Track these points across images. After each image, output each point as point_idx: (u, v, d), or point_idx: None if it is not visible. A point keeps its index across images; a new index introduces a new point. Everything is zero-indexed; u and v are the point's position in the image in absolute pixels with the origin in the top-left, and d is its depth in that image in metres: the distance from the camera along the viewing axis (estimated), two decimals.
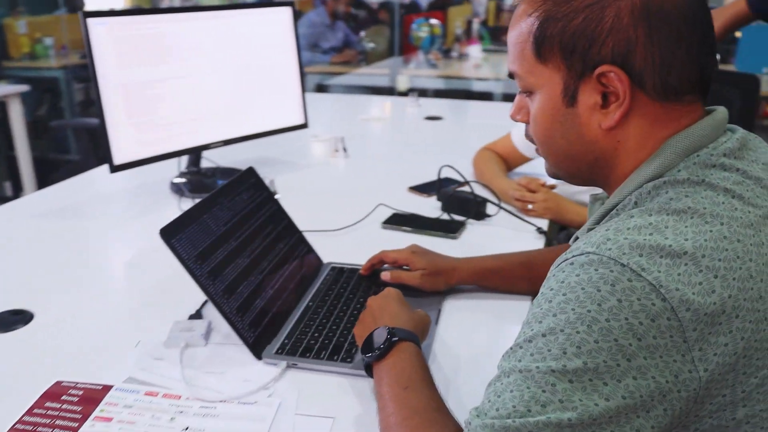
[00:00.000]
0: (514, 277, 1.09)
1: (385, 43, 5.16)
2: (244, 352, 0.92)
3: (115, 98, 1.41)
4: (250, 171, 1.15)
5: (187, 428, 0.78)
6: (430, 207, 1.51)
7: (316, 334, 0.96)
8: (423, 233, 1.37)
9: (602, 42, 0.65)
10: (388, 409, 0.73)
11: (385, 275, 1.09)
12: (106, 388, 0.85)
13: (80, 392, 0.84)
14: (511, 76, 0.76)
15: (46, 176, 2.86)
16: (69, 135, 4.14)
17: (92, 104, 4.81)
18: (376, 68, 4.72)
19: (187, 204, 1.53)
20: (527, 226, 1.39)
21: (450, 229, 1.37)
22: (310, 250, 1.19)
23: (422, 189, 1.63)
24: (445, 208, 1.46)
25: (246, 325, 0.92)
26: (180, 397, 0.83)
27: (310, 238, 1.20)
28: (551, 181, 1.47)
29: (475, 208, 1.41)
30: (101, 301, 1.12)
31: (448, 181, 1.59)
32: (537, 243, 1.33)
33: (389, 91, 4.23)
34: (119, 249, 1.37)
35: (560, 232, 1.79)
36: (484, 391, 0.63)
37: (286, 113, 1.79)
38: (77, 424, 0.78)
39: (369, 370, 0.82)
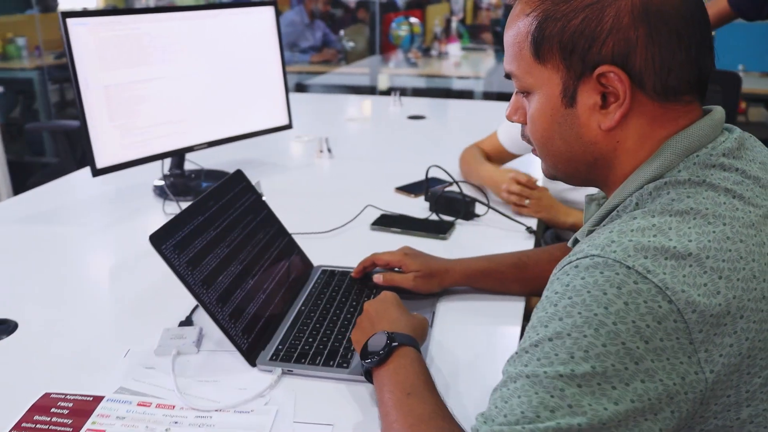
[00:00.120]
0: (506, 278, 1.09)
1: (364, 42, 5.15)
2: (238, 359, 0.91)
3: (96, 100, 1.38)
4: (239, 174, 1.13)
5: None
6: (418, 207, 1.51)
7: (311, 339, 0.95)
8: (412, 234, 1.36)
9: (602, 42, 0.65)
10: (392, 416, 0.71)
11: (378, 278, 1.08)
12: (97, 399, 0.82)
13: (70, 404, 0.81)
14: (508, 76, 0.76)
15: (23, 180, 2.80)
16: (45, 137, 4.06)
17: (68, 105, 4.73)
18: (356, 67, 4.71)
19: (172, 207, 1.50)
20: (517, 225, 1.38)
21: (439, 230, 1.36)
22: (300, 253, 1.18)
23: (409, 189, 1.62)
24: (433, 209, 1.45)
25: (239, 331, 0.91)
26: (174, 407, 0.81)
27: (298, 240, 1.19)
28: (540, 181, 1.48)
29: (464, 209, 1.41)
30: (87, 309, 1.09)
31: (435, 181, 1.58)
32: (527, 242, 1.32)
33: (369, 90, 4.22)
34: (103, 255, 1.34)
35: (545, 232, 1.79)
36: (490, 396, 0.62)
37: (270, 114, 1.77)
38: None
39: (369, 376, 0.81)
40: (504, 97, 4.06)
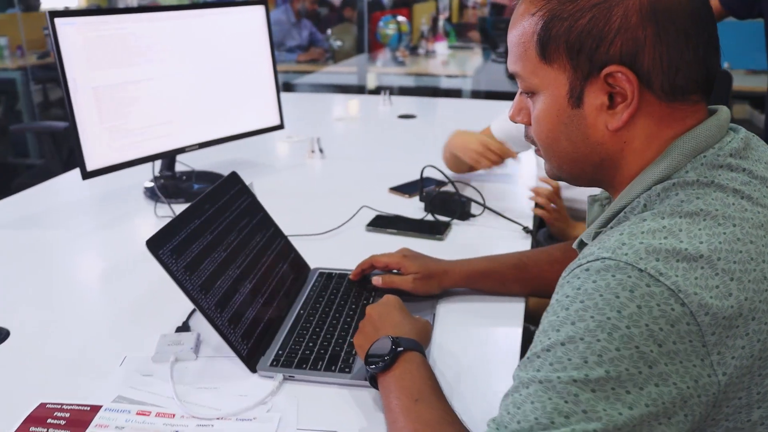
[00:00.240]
0: (506, 279, 1.08)
1: (352, 41, 5.13)
2: (237, 365, 0.89)
3: (85, 101, 1.35)
4: (233, 176, 1.12)
5: None
6: (412, 208, 1.50)
7: (311, 344, 0.93)
8: (408, 235, 1.35)
9: (611, 42, 0.64)
10: (399, 423, 0.70)
11: (377, 280, 1.07)
12: (95, 409, 0.80)
13: (67, 414, 0.79)
14: (512, 77, 0.75)
15: (6, 182, 2.75)
16: (29, 138, 4.00)
17: (52, 106, 4.66)
18: (344, 66, 4.69)
19: (164, 210, 1.48)
20: (513, 225, 1.38)
21: (436, 231, 1.35)
22: (297, 255, 1.16)
23: (403, 189, 1.61)
24: (428, 209, 1.44)
25: (238, 337, 0.89)
26: (174, 415, 0.80)
27: (293, 242, 1.17)
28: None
29: (460, 209, 1.40)
30: (81, 315, 1.06)
31: (429, 181, 1.57)
32: (524, 242, 1.32)
33: (357, 89, 4.20)
34: (95, 259, 1.32)
35: (538, 231, 1.79)
36: (501, 401, 0.61)
37: (261, 115, 1.75)
38: None
39: (373, 382, 0.80)
40: (492, 95, 4.06)
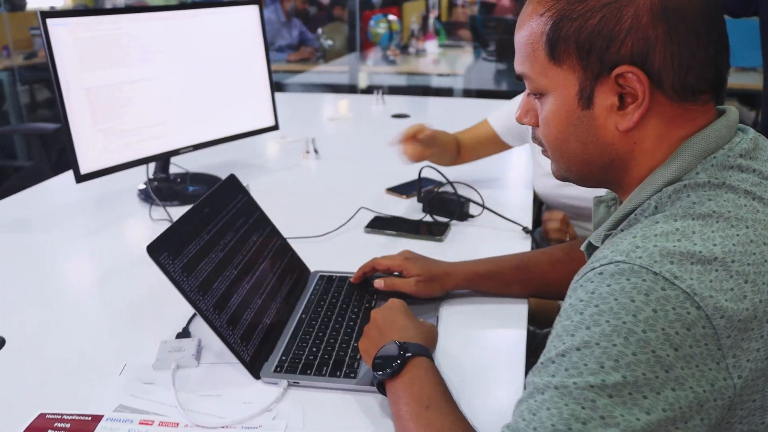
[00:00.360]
0: (508, 280, 1.07)
1: (342, 40, 5.11)
2: (240, 372, 0.88)
3: (78, 103, 1.33)
4: (232, 178, 1.10)
5: None
6: (411, 209, 1.49)
7: (314, 349, 0.92)
8: (408, 236, 1.34)
9: (621, 42, 0.63)
10: (410, 430, 0.69)
11: (379, 283, 1.06)
12: (96, 419, 0.79)
13: (68, 425, 0.78)
14: (520, 78, 0.74)
15: None
16: (16, 140, 3.94)
17: (39, 107, 4.60)
18: (335, 66, 4.67)
19: (159, 213, 1.46)
20: (512, 225, 1.37)
21: (435, 232, 1.34)
22: (295, 255, 1.15)
23: (400, 190, 1.60)
24: (426, 210, 1.43)
25: (241, 343, 0.88)
26: (178, 424, 0.78)
27: (292, 245, 1.16)
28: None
29: (459, 209, 1.39)
30: (77, 322, 1.04)
31: (426, 181, 1.56)
32: (523, 242, 1.31)
33: (348, 88, 4.18)
34: (91, 264, 1.29)
35: (534, 230, 1.78)
36: (515, 407, 0.60)
37: (256, 115, 1.73)
38: None
39: (381, 388, 0.79)
40: (483, 94, 4.06)
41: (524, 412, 0.58)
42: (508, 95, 2.41)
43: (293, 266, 1.12)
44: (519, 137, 1.59)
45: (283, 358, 0.90)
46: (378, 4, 5.62)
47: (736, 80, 3.70)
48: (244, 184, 1.12)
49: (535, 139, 0.77)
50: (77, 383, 0.87)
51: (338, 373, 0.86)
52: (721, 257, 0.58)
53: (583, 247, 0.77)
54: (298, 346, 0.92)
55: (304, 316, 1.01)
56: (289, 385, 0.85)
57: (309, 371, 0.87)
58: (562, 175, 0.76)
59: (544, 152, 0.77)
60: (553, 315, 1.45)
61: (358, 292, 1.08)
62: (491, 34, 4.71)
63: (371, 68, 4.46)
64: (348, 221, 1.39)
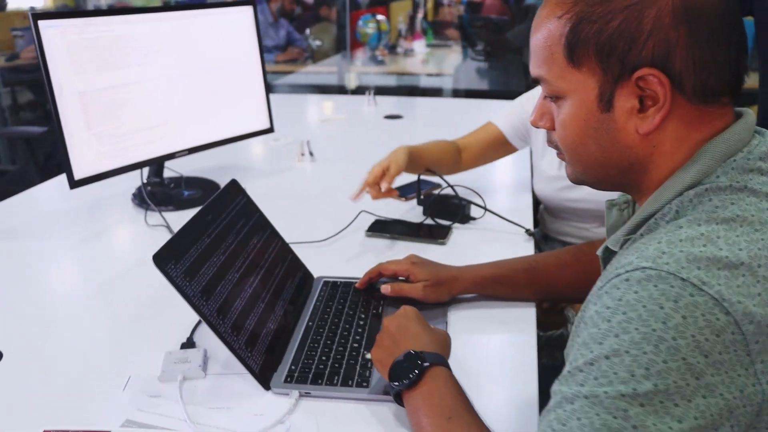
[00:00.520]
0: (516, 284, 1.06)
1: (331, 41, 5.08)
2: (248, 383, 0.86)
3: (71, 107, 1.30)
4: (234, 184, 1.08)
5: None
6: (411, 211, 1.47)
7: (324, 358, 0.90)
8: (409, 240, 1.32)
9: (643, 44, 0.62)
10: None
11: (386, 288, 1.04)
12: None
13: None
14: (536, 81, 0.73)
15: None
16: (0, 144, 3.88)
17: (21, 109, 4.52)
18: (324, 66, 4.64)
19: (155, 218, 1.43)
20: (515, 227, 1.36)
21: (438, 235, 1.33)
22: (297, 261, 1.13)
23: (399, 192, 1.58)
24: (427, 213, 1.42)
25: (252, 355, 0.86)
26: None
27: (293, 250, 1.14)
28: None
29: (461, 212, 1.38)
30: (77, 333, 1.02)
31: (425, 183, 1.54)
32: (526, 245, 1.30)
33: (338, 89, 4.15)
34: (87, 273, 1.25)
35: (537, 225, 1.77)
36: (540, 417, 0.59)
37: (250, 118, 1.71)
38: None
39: (398, 399, 0.77)
40: (472, 94, 4.06)
41: (553, 422, 0.57)
42: (497, 95, 2.40)
43: (295, 269, 1.10)
44: (523, 138, 1.57)
45: (293, 367, 0.88)
46: (365, 4, 5.60)
47: None
48: None
49: (551, 143, 0.76)
50: (81, 397, 0.85)
51: (350, 383, 0.85)
52: (747, 262, 0.58)
53: (599, 252, 0.76)
54: (307, 355, 0.91)
55: (311, 323, 0.99)
56: (301, 395, 0.83)
57: (320, 381, 0.85)
58: (579, 179, 0.75)
59: (560, 155, 0.76)
60: (555, 317, 1.45)
61: (364, 297, 1.07)
62: (479, 34, 4.71)
63: (360, 68, 4.43)
64: (349, 225, 1.37)
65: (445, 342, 0.85)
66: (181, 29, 1.51)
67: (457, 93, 4.13)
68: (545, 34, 0.68)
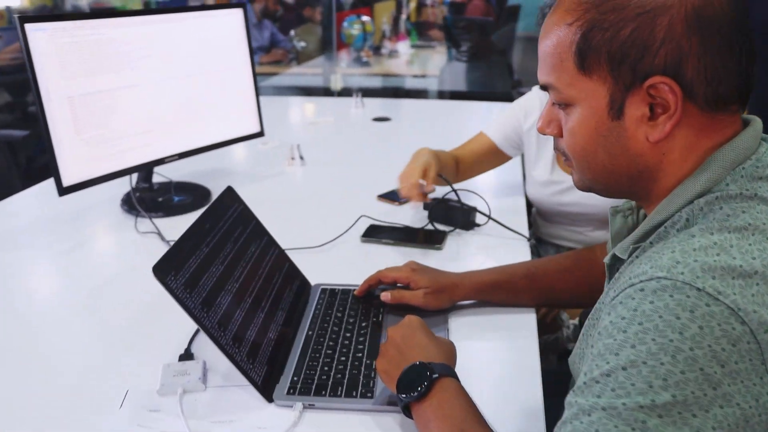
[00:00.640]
0: (517, 289, 1.06)
1: (315, 42, 5.05)
2: (250, 395, 0.84)
3: (60, 112, 1.27)
4: (230, 191, 1.06)
5: None
6: (410, 216, 1.46)
7: (326, 368, 0.89)
8: (406, 245, 1.31)
9: (655, 52, 0.62)
10: None
11: (386, 296, 1.03)
12: None
13: None
14: (544, 88, 0.72)
15: None
16: None
17: (1, 112, 4.43)
18: (308, 68, 4.62)
19: (145, 225, 1.40)
20: (511, 234, 1.35)
21: (434, 240, 1.32)
22: (294, 268, 1.11)
23: (392, 197, 1.57)
24: (431, 217, 1.40)
25: (254, 366, 0.84)
26: None
27: (289, 256, 1.12)
28: None
29: (464, 218, 1.37)
30: (69, 347, 0.99)
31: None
32: (524, 252, 1.29)
33: (322, 91, 4.13)
34: (77, 283, 1.20)
35: (530, 228, 1.76)
36: (556, 429, 0.59)
37: (241, 121, 1.69)
38: None
39: (407, 411, 0.76)
40: (457, 95, 4.06)
41: None
42: (482, 97, 2.39)
43: (292, 277, 1.09)
44: (517, 146, 1.57)
45: (295, 378, 0.86)
46: (348, 4, 5.59)
47: None
48: None
49: (558, 150, 0.75)
50: (78, 414, 0.82)
51: (354, 393, 0.84)
52: (761, 271, 0.57)
53: (606, 260, 0.75)
54: (308, 366, 0.89)
55: (310, 332, 0.98)
56: (305, 407, 0.82)
57: (324, 392, 0.84)
58: (587, 186, 0.75)
59: (568, 162, 0.75)
60: (550, 322, 1.45)
61: (364, 305, 1.05)
62: (464, 35, 4.72)
63: (345, 70, 4.42)
64: (349, 229, 1.36)
65: (451, 352, 0.84)
66: (171, 32, 1.48)
67: (442, 94, 4.13)
68: (555, 41, 0.68)
